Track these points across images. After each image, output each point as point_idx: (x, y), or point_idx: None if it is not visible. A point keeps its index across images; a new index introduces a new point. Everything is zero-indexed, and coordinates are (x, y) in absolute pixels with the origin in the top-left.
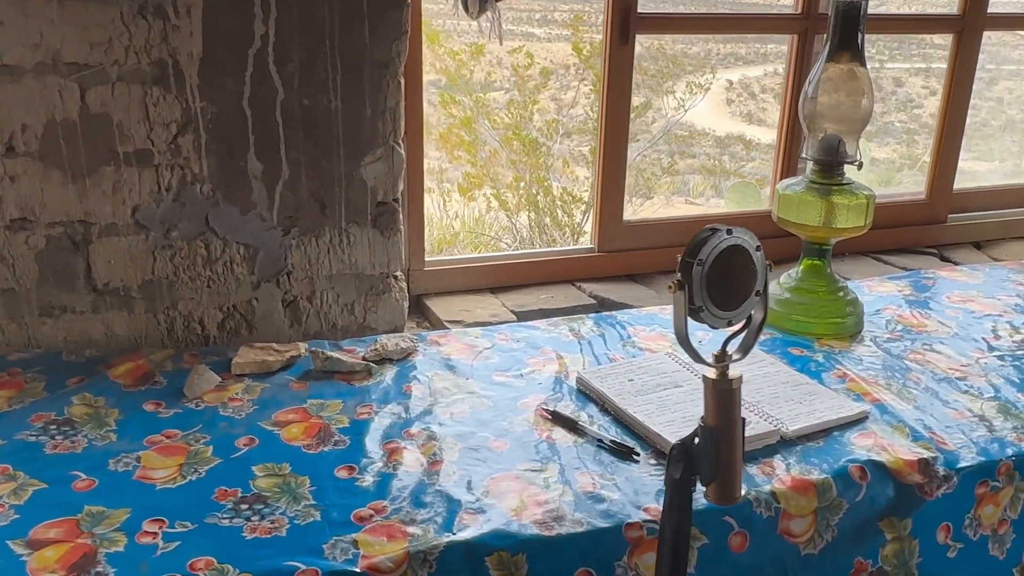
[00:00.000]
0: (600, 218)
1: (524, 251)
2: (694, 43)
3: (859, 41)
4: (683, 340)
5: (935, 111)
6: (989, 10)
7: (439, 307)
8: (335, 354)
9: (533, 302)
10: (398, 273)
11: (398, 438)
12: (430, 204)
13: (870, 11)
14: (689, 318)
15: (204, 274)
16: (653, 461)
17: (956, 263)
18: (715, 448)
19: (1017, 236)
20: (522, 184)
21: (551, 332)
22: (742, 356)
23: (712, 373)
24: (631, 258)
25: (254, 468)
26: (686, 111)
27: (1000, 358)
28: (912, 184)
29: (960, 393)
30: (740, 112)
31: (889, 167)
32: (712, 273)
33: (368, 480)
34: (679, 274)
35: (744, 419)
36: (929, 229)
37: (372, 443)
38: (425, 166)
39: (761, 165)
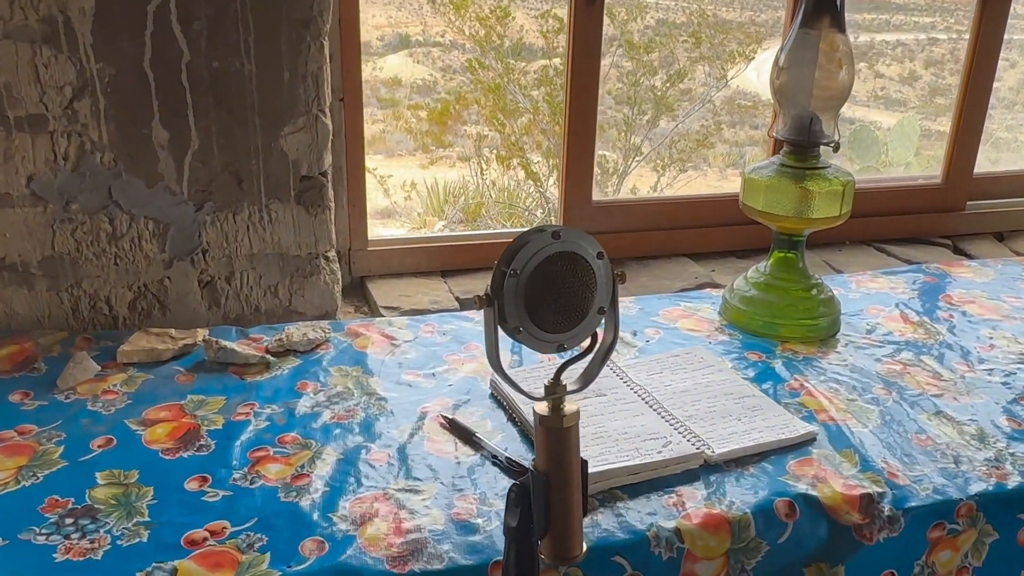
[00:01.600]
0: (565, 198)
1: (479, 232)
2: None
3: (838, 3)
4: (495, 366)
5: (1014, 84)
6: None
7: (380, 291)
8: (230, 344)
9: (482, 287)
10: (330, 253)
11: (269, 445)
12: (467, 172)
13: None
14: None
15: (110, 251)
16: None
17: (970, 256)
18: (546, 497)
19: None
20: (552, 154)
21: (482, 325)
22: (581, 387)
23: (542, 408)
24: (599, 241)
25: (98, 475)
26: (728, 81)
27: (989, 373)
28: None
29: (932, 414)
30: None
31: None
32: (536, 286)
33: (218, 495)
34: (490, 285)
35: (585, 462)
36: (945, 217)
37: (238, 450)
38: (464, 131)
39: None
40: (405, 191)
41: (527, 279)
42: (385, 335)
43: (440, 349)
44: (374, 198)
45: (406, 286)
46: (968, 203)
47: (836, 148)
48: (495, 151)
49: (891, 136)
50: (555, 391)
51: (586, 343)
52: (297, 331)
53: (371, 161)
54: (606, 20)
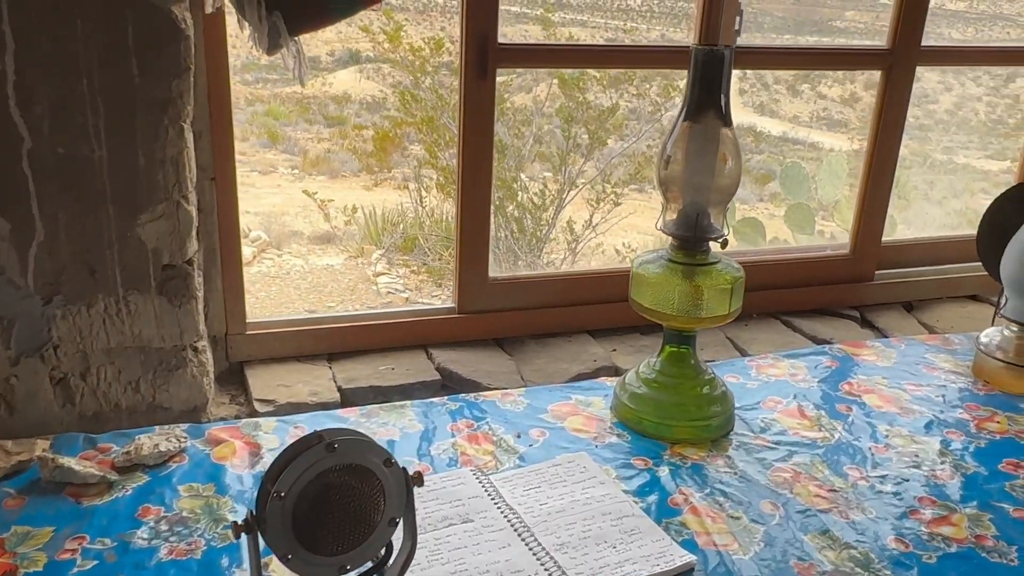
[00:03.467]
0: (460, 275)
1: (372, 311)
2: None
3: (722, 98)
4: None
5: (950, 107)
6: (923, 43)
7: (259, 379)
8: (68, 462)
9: (368, 375)
10: (198, 344)
11: None
12: (407, 200)
13: (788, 44)
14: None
15: None
16: None
17: (878, 328)
18: None
19: (953, 296)
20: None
21: (358, 427)
22: None
23: None
24: (496, 320)
25: None
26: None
27: (881, 480)
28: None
29: (819, 534)
30: (752, 103)
31: (900, 164)
32: (306, 507)
33: None
34: (253, 508)
35: None
36: (854, 288)
37: None
38: (410, 151)
39: (768, 159)
40: (346, 216)
41: (295, 500)
42: (249, 442)
43: None
44: (315, 222)
45: (287, 373)
46: (877, 272)
47: (724, 244)
48: (435, 179)
49: (819, 174)
50: None
51: (381, 552)
52: (149, 441)
53: (314, 183)
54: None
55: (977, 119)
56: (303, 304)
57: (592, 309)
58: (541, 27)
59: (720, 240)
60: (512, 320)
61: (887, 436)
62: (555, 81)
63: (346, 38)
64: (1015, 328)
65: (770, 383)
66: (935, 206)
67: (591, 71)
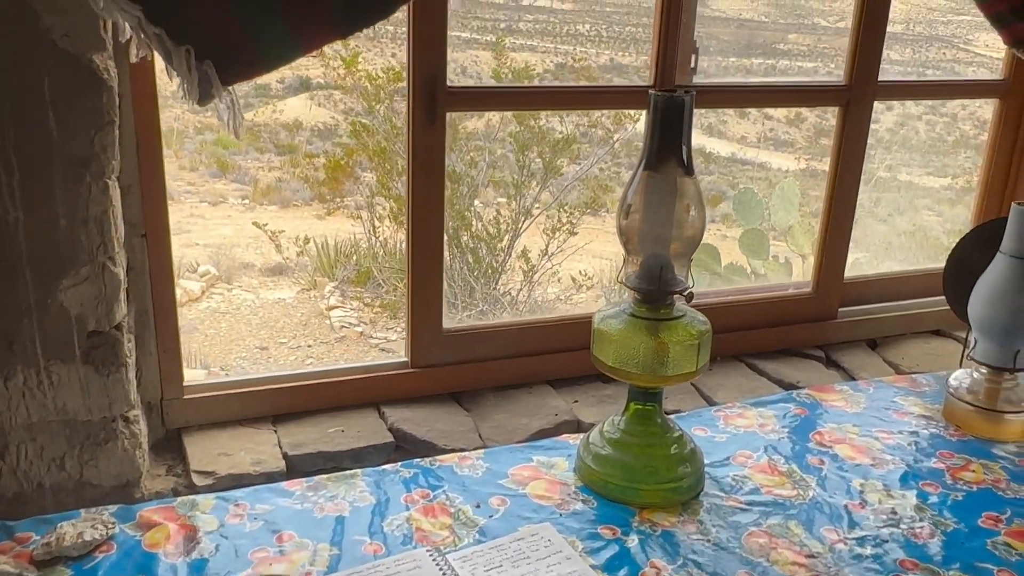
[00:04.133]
0: (413, 327)
1: (319, 368)
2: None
3: (683, 147)
4: None
5: (891, 125)
6: (880, 78)
7: (198, 447)
8: None
9: (316, 439)
10: (130, 414)
11: None
12: (359, 230)
13: (744, 81)
14: None
15: None
16: None
17: (843, 368)
18: None
19: (918, 331)
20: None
21: (304, 502)
22: None
23: None
24: (452, 374)
25: None
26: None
27: (860, 543)
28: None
29: None
30: (700, 124)
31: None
32: None
33: None
34: None
35: None
36: (818, 327)
37: None
38: (363, 177)
39: (719, 180)
40: (298, 247)
41: None
42: (185, 524)
43: (246, 543)
44: (267, 253)
45: (229, 440)
46: (840, 310)
47: (690, 297)
48: (388, 208)
49: (773, 201)
50: None
51: None
52: (72, 529)
53: (265, 213)
54: (489, 67)
55: (917, 138)
56: (254, 341)
57: (552, 359)
58: (492, 53)
59: (685, 293)
60: (469, 373)
61: (862, 491)
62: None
63: (296, 65)
64: (984, 371)
65: (739, 435)
66: (881, 223)
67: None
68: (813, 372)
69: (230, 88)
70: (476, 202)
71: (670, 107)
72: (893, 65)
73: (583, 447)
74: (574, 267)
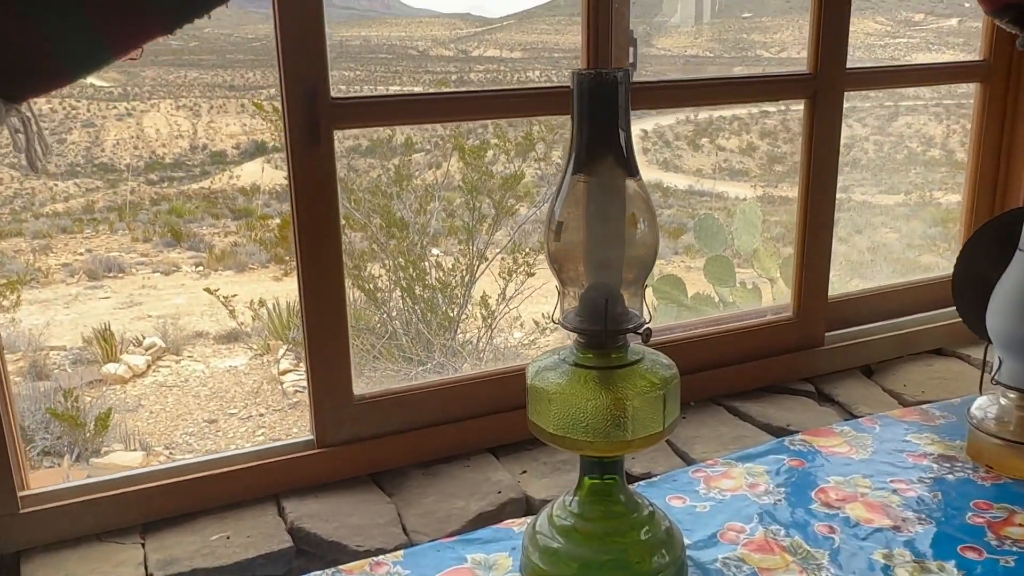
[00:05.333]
0: (314, 397)
1: (202, 459)
2: None
3: (621, 136)
4: None
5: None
6: (849, 66)
7: (40, 574)
8: None
9: (194, 551)
10: None
11: None
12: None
13: (704, 76)
14: None
15: None
16: None
17: (840, 403)
18: None
19: (915, 353)
20: (391, 268)
21: None
22: None
23: None
24: (369, 450)
25: None
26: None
27: None
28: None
29: None
30: (656, 160)
31: None
32: None
33: None
34: None
35: None
36: (804, 356)
37: None
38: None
39: (679, 212)
40: (253, 311)
41: None
42: None
43: None
44: (221, 320)
45: (80, 562)
46: (827, 334)
47: (647, 336)
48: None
49: (736, 224)
50: None
51: None
52: None
53: (220, 279)
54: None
55: (867, 157)
56: (203, 414)
57: (492, 421)
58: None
59: (641, 331)
60: (389, 448)
61: (888, 565)
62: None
63: (251, 130)
64: (1013, 396)
65: (726, 501)
66: (842, 243)
67: (492, 140)
68: (804, 411)
69: (23, 107)
70: (435, 250)
71: (600, 89)
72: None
73: (528, 539)
74: (535, 309)
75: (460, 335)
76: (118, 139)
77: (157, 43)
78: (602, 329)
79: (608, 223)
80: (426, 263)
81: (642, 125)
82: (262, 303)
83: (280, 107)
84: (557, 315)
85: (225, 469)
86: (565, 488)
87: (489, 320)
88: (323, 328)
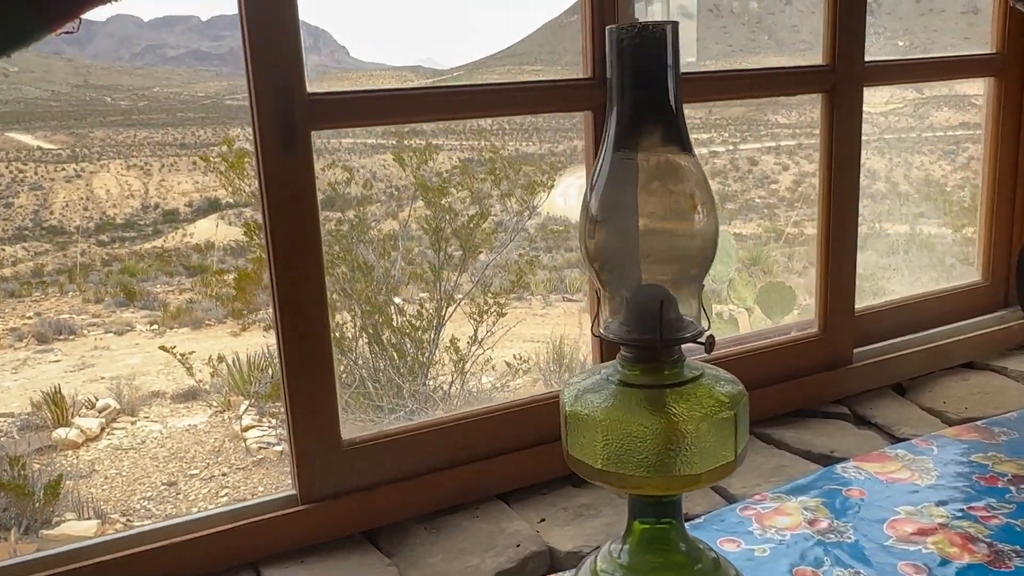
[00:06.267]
0: (296, 444)
1: (163, 524)
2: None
3: (673, 106)
4: None
5: (790, 184)
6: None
7: None
8: None
9: None
10: None
11: None
12: (274, 341)
13: (717, 69)
14: None
15: None
16: None
17: (879, 426)
18: None
19: (947, 367)
20: (357, 315)
21: None
22: None
23: None
24: (361, 504)
25: None
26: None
27: None
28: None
29: None
30: None
31: (756, 241)
32: None
33: None
34: None
35: None
36: (832, 376)
37: None
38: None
39: None
40: (211, 367)
41: None
42: None
43: None
44: (178, 378)
45: None
46: (855, 351)
47: (710, 346)
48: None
49: None
50: None
51: None
52: None
53: (176, 337)
54: (397, 168)
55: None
56: (161, 476)
57: (500, 463)
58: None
59: (704, 340)
60: (385, 499)
61: None
62: (419, 203)
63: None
64: None
65: (785, 542)
66: (799, 277)
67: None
68: (844, 435)
69: None
70: (396, 299)
71: (645, 46)
72: (902, 59)
73: None
74: (507, 352)
75: (431, 381)
76: (67, 201)
77: (105, 103)
78: (656, 339)
79: (660, 210)
80: (391, 309)
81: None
82: (221, 359)
83: (249, 107)
84: (598, 327)
85: (192, 535)
86: (592, 536)
87: (460, 364)
88: (305, 362)
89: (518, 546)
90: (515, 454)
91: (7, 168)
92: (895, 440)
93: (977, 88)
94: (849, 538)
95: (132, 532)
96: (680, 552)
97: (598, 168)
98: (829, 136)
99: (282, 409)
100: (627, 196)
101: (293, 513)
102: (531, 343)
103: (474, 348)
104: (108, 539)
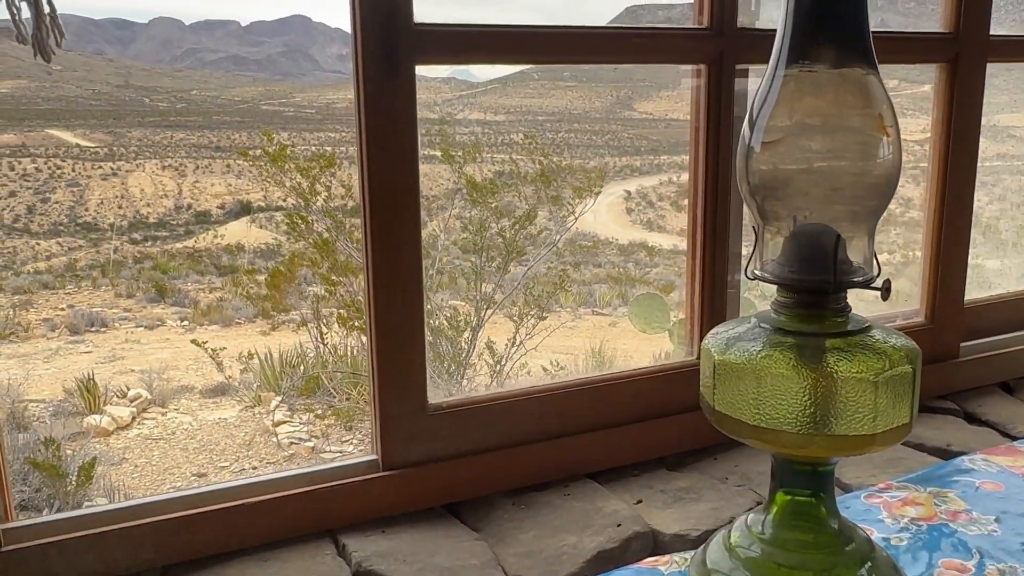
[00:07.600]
0: (382, 407)
1: (235, 484)
2: (590, 158)
3: (854, 12)
4: None
5: None
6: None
7: None
8: None
9: None
10: None
11: None
12: (306, 339)
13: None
14: None
15: None
16: None
17: (991, 424)
18: None
19: None
20: None
21: None
22: None
23: None
24: (446, 473)
25: None
26: (576, 220)
27: None
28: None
29: None
30: (640, 220)
31: None
32: None
33: None
34: None
35: None
36: (938, 369)
37: None
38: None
39: (665, 271)
40: (241, 364)
41: None
42: None
43: None
44: (207, 374)
45: None
46: (962, 345)
47: (887, 292)
48: (336, 312)
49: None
50: None
51: None
52: None
53: (206, 333)
54: (446, 169)
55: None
56: (191, 468)
57: (594, 439)
58: (444, 165)
59: (883, 286)
60: (470, 470)
61: None
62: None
63: (236, 190)
64: None
65: (923, 533)
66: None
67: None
68: (956, 430)
69: None
70: (435, 298)
71: None
72: None
73: (697, 568)
74: (543, 359)
75: (466, 382)
76: (102, 198)
77: (144, 104)
78: (829, 281)
79: (837, 132)
80: (428, 306)
81: (625, 186)
82: (252, 355)
83: (352, 36)
84: (754, 266)
85: (266, 496)
86: (699, 520)
87: (496, 367)
88: (395, 312)
89: (619, 526)
90: (608, 431)
91: (46, 164)
92: (1012, 439)
93: None
94: (995, 532)
95: (197, 491)
96: (830, 530)
97: (766, 86)
98: (948, 111)
99: (315, 405)
100: (800, 115)
101: (375, 479)
102: (562, 355)
103: (513, 350)
104: (169, 497)
